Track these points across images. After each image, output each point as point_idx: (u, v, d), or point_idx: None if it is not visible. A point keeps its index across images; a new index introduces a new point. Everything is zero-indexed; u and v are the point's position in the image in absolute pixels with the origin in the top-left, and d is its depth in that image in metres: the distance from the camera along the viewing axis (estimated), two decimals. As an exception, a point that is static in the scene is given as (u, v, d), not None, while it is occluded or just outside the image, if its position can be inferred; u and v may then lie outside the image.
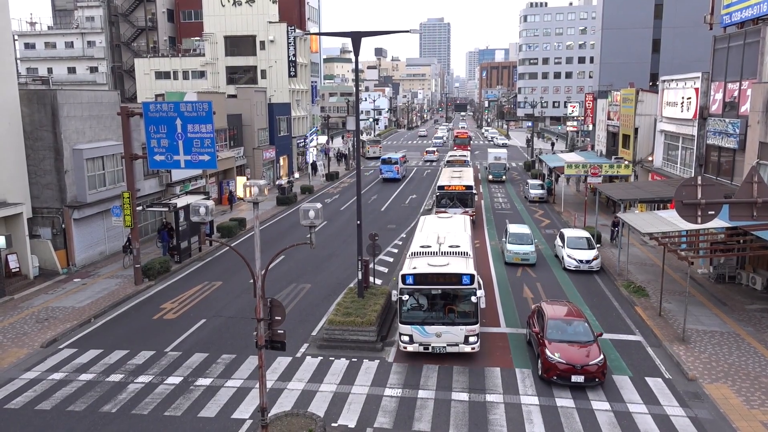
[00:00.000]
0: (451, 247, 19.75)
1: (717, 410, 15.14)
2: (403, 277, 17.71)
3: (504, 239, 29.74)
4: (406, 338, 17.80)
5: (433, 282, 17.71)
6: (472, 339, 17.65)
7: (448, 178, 38.43)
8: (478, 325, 17.80)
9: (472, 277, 17.52)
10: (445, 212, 32.88)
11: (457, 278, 17.57)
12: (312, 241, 12.98)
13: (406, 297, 17.69)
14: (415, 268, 18.01)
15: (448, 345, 17.65)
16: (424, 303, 17.97)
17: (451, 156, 56.65)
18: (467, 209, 35.41)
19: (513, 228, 29.86)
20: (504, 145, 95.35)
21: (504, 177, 55.89)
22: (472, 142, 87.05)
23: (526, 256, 28.22)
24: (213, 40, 60.82)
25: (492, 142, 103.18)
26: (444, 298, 17.94)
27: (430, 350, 17.71)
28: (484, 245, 32.57)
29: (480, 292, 17.51)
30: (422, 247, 19.93)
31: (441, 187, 36.20)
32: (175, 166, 25.12)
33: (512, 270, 27.90)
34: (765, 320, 21.10)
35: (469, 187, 35.83)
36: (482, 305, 17.73)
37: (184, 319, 21.93)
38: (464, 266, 18.08)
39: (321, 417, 14.58)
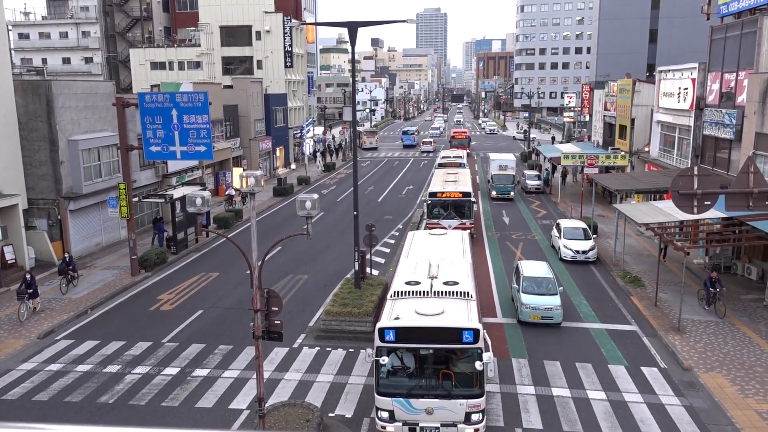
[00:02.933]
0: (447, 284, 15.18)
1: (712, 399, 15.24)
2: (381, 331, 12.97)
3: (517, 286, 21.27)
4: (385, 414, 13.04)
5: (422, 338, 13.12)
6: (475, 417, 12.94)
7: (441, 182, 32.66)
8: (485, 397, 13.14)
9: (476, 332, 12.82)
10: (437, 225, 28.82)
11: (455, 334, 12.91)
12: (309, 231, 12.97)
13: (385, 359, 12.93)
14: (397, 318, 13.49)
15: (442, 425, 12.93)
16: (411, 366, 13.41)
17: (444, 157, 47.76)
18: (464, 221, 29.84)
19: (528, 268, 21.68)
20: (523, 138, 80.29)
21: (512, 193, 42.71)
22: (471, 142, 73.89)
23: (549, 313, 19.94)
24: (209, 30, 60.51)
25: (494, 133, 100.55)
26: (438, 360, 13.33)
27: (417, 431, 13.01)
28: (481, 235, 32.59)
29: (487, 356, 12.77)
30: (408, 284, 15.33)
31: (433, 194, 30.50)
32: (171, 157, 25.06)
33: (509, 258, 27.93)
34: (760, 310, 21.20)
35: (466, 194, 30.09)
36: (491, 373, 13.17)
37: (181, 310, 21.94)
38: (465, 316, 13.65)
39: (318, 407, 14.63)
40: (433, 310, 13.59)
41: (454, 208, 30.24)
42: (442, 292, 14.83)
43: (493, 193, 42.86)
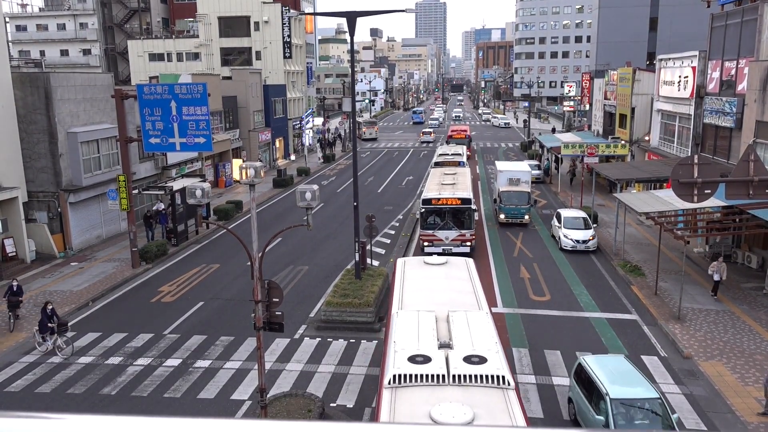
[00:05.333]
0: (470, 361, 10.55)
1: (712, 387, 15.30)
2: None
3: (599, 415, 12.47)
4: None
5: None
6: None
7: (436, 185, 28.65)
8: None
9: None
10: (433, 236, 26.12)
11: None
12: (309, 222, 12.97)
13: None
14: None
15: None
16: None
17: (441, 155, 41.57)
18: (464, 231, 26.13)
19: (611, 377, 12.98)
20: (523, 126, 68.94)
21: (527, 216, 32.15)
22: (472, 142, 65.04)
23: None
24: (207, 21, 60.22)
25: (508, 126, 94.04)
26: None
27: None
28: (481, 225, 32.57)
29: None
30: (414, 361, 10.65)
31: (427, 201, 26.47)
32: (170, 148, 25.04)
33: (509, 248, 27.96)
34: (760, 298, 21.24)
35: (465, 201, 26.20)
36: None
37: (182, 302, 21.99)
38: (509, 424, 9.40)
39: (320, 397, 14.69)
40: (459, 415, 9.19)
41: (452, 216, 26.29)
42: (465, 377, 10.16)
43: (502, 216, 32.21)
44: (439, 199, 26.39)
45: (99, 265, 26.31)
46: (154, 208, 30.97)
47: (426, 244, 26.32)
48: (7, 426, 1.08)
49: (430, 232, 26.31)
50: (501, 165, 36.45)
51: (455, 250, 25.60)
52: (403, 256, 27.42)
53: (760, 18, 24.07)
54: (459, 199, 26.27)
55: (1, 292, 22.32)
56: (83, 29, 72.74)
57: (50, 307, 17.94)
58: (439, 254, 22.25)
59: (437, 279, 15.33)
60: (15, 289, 19.55)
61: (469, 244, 26.24)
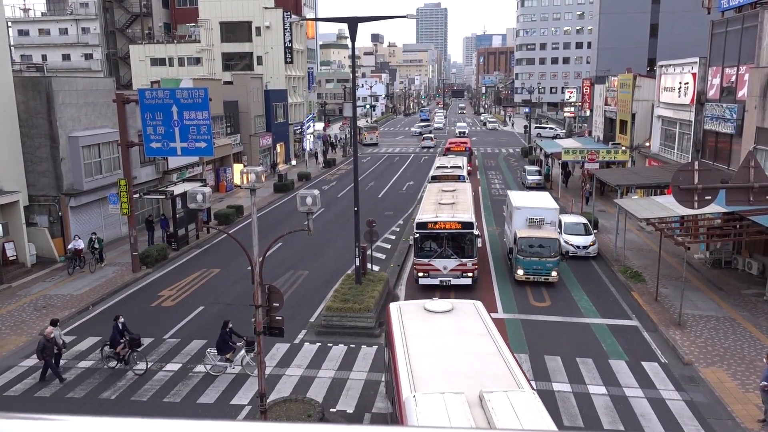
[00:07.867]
0: None
1: (712, 394, 15.27)
2: None
3: None
4: None
5: None
6: None
7: (433, 205, 24.88)
8: None
9: None
10: (429, 265, 22.69)
11: None
12: (309, 227, 12.99)
13: None
14: None
15: None
16: None
17: (438, 167, 37.90)
18: (465, 260, 22.62)
19: None
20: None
21: (555, 273, 23.58)
22: (473, 155, 60.34)
23: None
24: (208, 26, 60.41)
25: (561, 137, 69.04)
26: None
27: None
28: (480, 227, 32.54)
29: None
30: None
31: (422, 225, 22.85)
32: (171, 153, 25.07)
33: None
34: (760, 305, 21.21)
35: (467, 225, 22.65)
36: None
37: (183, 306, 21.98)
38: None
39: (319, 402, 14.67)
40: None
41: (451, 242, 22.83)
42: None
43: (519, 271, 23.80)
44: (435, 222, 22.77)
45: (99, 269, 26.29)
46: (70, 246, 26.00)
47: (421, 274, 22.96)
48: (9, 427, 1.09)
49: (426, 260, 22.77)
50: (517, 199, 26.62)
51: (455, 281, 22.70)
52: (404, 261, 27.41)
53: (760, 24, 24.13)
54: (459, 222, 22.69)
55: (5, 294, 22.26)
56: (85, 34, 72.92)
57: (231, 325, 16.84)
58: (436, 286, 22.18)
59: (448, 335, 11.98)
60: (121, 327, 17.17)
61: (470, 274, 22.77)
